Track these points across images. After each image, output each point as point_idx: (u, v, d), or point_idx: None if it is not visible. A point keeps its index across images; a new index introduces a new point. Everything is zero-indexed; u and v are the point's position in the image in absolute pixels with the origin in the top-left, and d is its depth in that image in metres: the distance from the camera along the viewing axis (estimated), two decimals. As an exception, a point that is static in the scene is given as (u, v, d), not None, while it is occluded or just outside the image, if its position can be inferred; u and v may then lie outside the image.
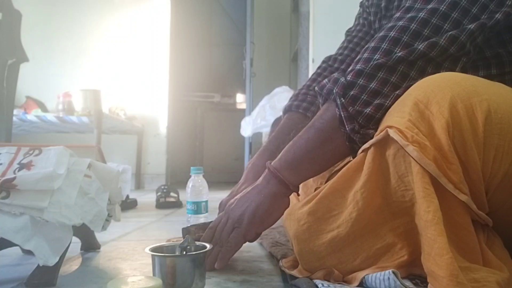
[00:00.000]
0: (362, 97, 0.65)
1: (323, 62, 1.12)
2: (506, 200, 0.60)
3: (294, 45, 3.90)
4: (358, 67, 0.66)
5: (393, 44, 0.65)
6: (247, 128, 2.72)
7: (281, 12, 4.17)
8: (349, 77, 0.66)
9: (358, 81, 0.65)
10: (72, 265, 0.84)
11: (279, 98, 2.64)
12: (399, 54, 0.64)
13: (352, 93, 0.65)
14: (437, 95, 0.56)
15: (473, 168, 0.56)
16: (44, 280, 0.69)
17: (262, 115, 2.59)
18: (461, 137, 0.55)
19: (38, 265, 0.68)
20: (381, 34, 0.68)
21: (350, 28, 1.11)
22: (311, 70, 2.66)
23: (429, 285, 0.53)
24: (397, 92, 0.64)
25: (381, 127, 0.61)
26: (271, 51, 4.12)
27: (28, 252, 0.88)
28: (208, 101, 4.52)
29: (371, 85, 0.64)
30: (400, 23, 0.66)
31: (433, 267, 0.51)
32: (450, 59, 0.64)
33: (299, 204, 0.67)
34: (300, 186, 0.76)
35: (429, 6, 0.66)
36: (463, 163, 0.55)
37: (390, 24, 0.68)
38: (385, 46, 0.65)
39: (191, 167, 1.22)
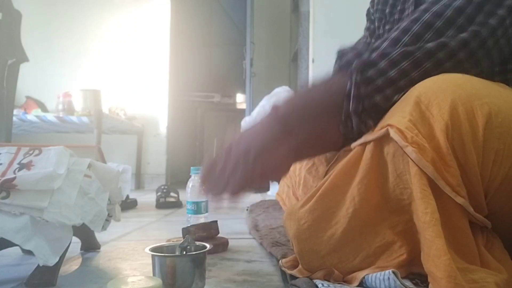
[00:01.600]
0: (378, 81, 0.62)
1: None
2: (506, 203, 0.59)
3: (294, 45, 3.90)
4: (385, 47, 0.63)
5: (425, 28, 0.62)
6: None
7: (281, 12, 4.17)
8: (373, 55, 0.63)
9: (380, 63, 0.62)
10: (72, 265, 0.84)
11: (279, 98, 2.63)
12: (429, 45, 0.60)
13: (369, 73, 0.62)
14: (438, 97, 0.56)
15: (472, 171, 0.56)
16: (44, 280, 0.69)
17: (262, 115, 2.57)
18: (461, 140, 0.55)
19: (38, 265, 0.68)
20: (413, 16, 0.64)
21: (358, 40, 1.09)
22: (311, 70, 2.66)
23: (430, 285, 0.53)
24: (406, 90, 0.61)
25: (382, 123, 0.60)
26: (271, 51, 4.12)
27: (28, 252, 0.88)
28: (208, 101, 4.52)
29: (390, 73, 0.62)
30: (435, 8, 0.63)
31: (431, 268, 0.52)
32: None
33: (299, 204, 0.66)
34: (300, 186, 0.76)
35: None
36: (462, 166, 0.55)
37: (422, 7, 0.65)
38: (416, 29, 0.62)
39: (191, 167, 1.22)
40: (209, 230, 1.01)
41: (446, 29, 0.61)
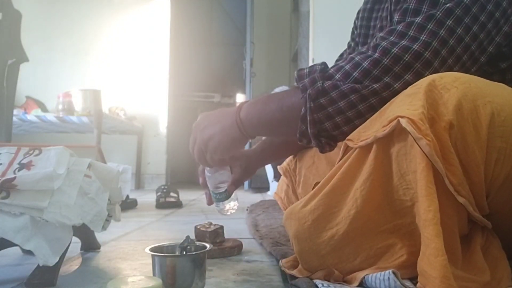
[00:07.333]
0: (329, 109, 0.67)
1: None
2: (508, 203, 0.59)
3: (294, 45, 3.90)
4: (337, 80, 0.67)
5: (373, 65, 0.65)
6: (247, 128, 2.71)
7: (281, 12, 4.17)
8: (326, 84, 0.67)
9: (331, 93, 0.66)
10: (72, 265, 0.84)
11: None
12: (375, 86, 0.64)
13: (321, 101, 0.67)
14: (443, 96, 0.56)
15: (475, 171, 0.55)
16: (44, 280, 0.69)
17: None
18: (464, 139, 0.54)
19: (38, 265, 0.68)
20: (362, 53, 0.67)
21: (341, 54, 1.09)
22: (311, 70, 2.66)
23: (418, 284, 0.53)
24: (356, 121, 0.66)
25: (388, 117, 0.57)
26: (271, 51, 4.12)
27: (28, 252, 0.88)
28: (208, 101, 4.52)
29: (339, 103, 0.66)
30: (384, 43, 0.65)
31: (426, 266, 0.51)
32: None
33: (300, 204, 0.66)
34: (300, 185, 0.77)
35: (422, 37, 0.64)
36: (464, 166, 0.55)
37: (373, 43, 0.67)
38: (366, 65, 0.65)
39: None
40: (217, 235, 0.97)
41: (393, 66, 0.64)
